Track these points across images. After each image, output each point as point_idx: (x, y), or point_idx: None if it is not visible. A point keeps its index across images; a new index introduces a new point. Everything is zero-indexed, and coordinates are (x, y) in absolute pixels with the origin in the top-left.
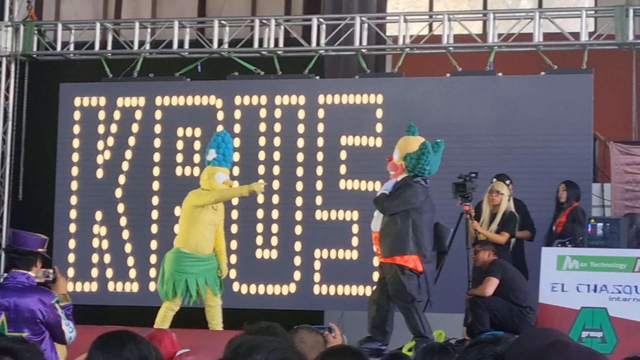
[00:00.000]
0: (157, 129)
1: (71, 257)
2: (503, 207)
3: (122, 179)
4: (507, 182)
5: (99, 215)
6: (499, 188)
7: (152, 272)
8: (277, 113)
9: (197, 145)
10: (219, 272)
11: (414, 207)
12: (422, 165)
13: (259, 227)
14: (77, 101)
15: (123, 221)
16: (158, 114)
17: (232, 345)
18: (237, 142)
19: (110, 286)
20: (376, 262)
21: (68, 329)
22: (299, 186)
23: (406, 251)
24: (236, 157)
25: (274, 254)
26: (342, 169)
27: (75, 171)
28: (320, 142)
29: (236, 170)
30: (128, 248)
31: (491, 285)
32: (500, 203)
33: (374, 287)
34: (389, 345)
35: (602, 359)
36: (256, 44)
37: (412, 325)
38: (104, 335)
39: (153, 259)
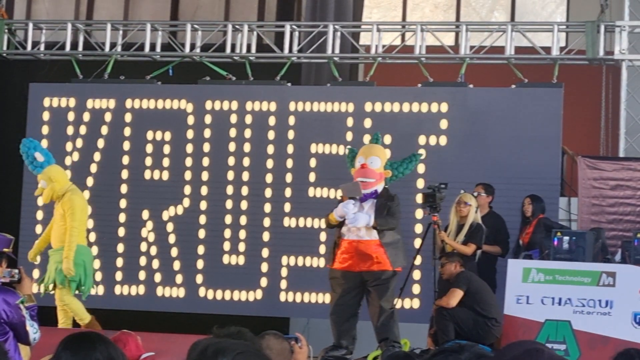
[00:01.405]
0: (127, 131)
1: (36, 259)
2: (470, 219)
3: (90, 181)
4: (484, 193)
5: None
6: (466, 199)
7: (118, 276)
8: (248, 119)
9: (166, 149)
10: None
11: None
12: (405, 173)
13: (227, 233)
14: (46, 101)
15: (90, 224)
16: (128, 117)
17: (197, 348)
18: (206, 147)
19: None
20: None
21: (32, 329)
22: (268, 192)
23: (405, 260)
24: (205, 162)
25: (241, 260)
26: (312, 177)
27: None
28: (290, 149)
29: (205, 175)
30: (94, 251)
31: (455, 296)
32: (468, 214)
33: (339, 298)
34: (353, 353)
35: None
36: (228, 49)
37: (391, 329)
38: (73, 336)
39: (119, 262)
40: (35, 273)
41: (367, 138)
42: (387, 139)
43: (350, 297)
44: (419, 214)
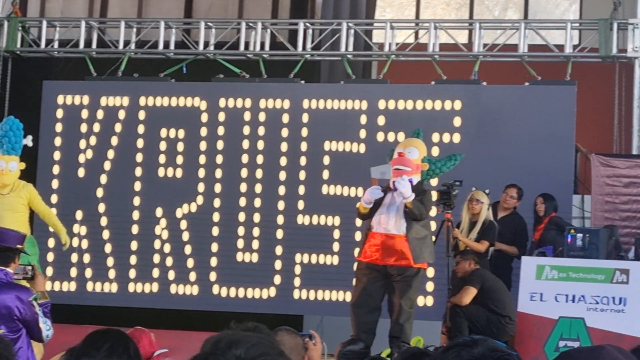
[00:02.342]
0: (140, 129)
1: (50, 256)
2: (482, 216)
3: (103, 179)
4: (516, 197)
5: (79, 215)
6: (478, 197)
7: (132, 273)
8: (262, 116)
9: (180, 146)
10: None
11: None
12: (443, 170)
13: (240, 230)
14: (60, 99)
15: (104, 221)
16: (142, 114)
17: (210, 342)
18: (220, 145)
19: (89, 286)
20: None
21: (45, 326)
22: (282, 190)
23: (433, 258)
24: (219, 159)
25: (255, 258)
26: (325, 174)
27: (56, 169)
28: (303, 146)
29: (219, 173)
30: (108, 248)
31: (468, 294)
32: (480, 212)
33: (363, 288)
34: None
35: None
36: (242, 47)
37: (404, 330)
38: (95, 333)
39: (133, 259)
40: (49, 271)
41: (380, 136)
42: (401, 137)
43: (374, 288)
44: (433, 211)
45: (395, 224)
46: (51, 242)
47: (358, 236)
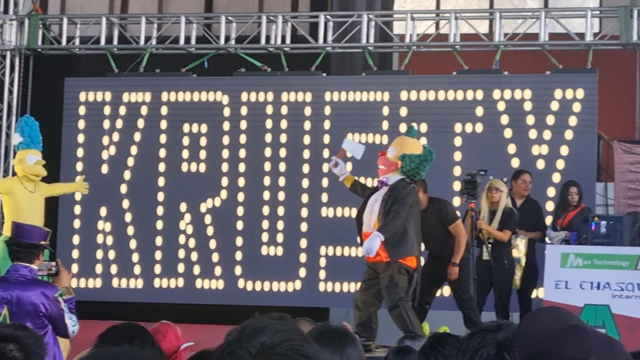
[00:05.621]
0: (163, 124)
1: (75, 253)
2: (502, 205)
3: (127, 175)
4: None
5: (103, 211)
6: (497, 185)
7: (157, 269)
8: (284, 110)
9: (203, 141)
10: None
11: (412, 207)
12: (419, 170)
13: (265, 224)
14: (82, 96)
15: (128, 217)
16: (164, 110)
17: (235, 331)
18: (243, 139)
19: (115, 282)
20: None
21: (71, 322)
22: (305, 183)
23: (411, 252)
24: (242, 153)
25: (280, 251)
26: (348, 166)
27: (79, 166)
28: (326, 139)
29: (242, 167)
30: (133, 244)
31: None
32: (499, 200)
33: (360, 286)
34: (375, 341)
35: (619, 347)
36: (263, 41)
37: (400, 323)
38: (113, 328)
39: (158, 255)
40: (74, 268)
41: (403, 127)
42: (423, 127)
43: (365, 287)
44: (457, 201)
45: (375, 223)
46: (76, 239)
47: None
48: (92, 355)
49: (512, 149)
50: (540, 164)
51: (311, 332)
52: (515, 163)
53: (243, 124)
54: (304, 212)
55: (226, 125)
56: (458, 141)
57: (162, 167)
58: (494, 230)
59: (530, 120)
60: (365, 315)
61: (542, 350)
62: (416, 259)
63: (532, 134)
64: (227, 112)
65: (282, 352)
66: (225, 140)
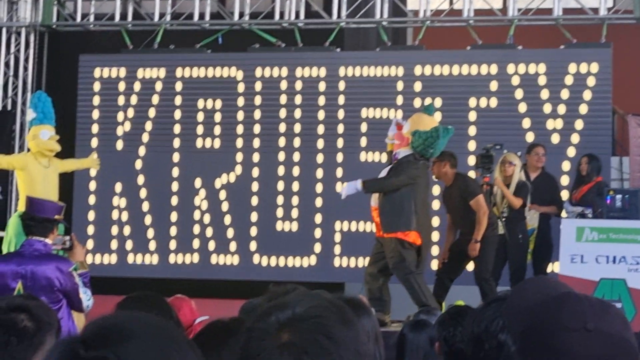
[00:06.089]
0: (178, 100)
1: (90, 229)
2: (515, 178)
3: (142, 151)
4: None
5: (118, 187)
6: (511, 159)
7: (172, 244)
8: (298, 85)
9: (217, 117)
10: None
11: (416, 183)
12: (427, 147)
13: (280, 199)
14: (97, 72)
15: (143, 193)
16: (178, 86)
17: (248, 307)
18: (257, 114)
19: (130, 258)
20: None
21: (85, 297)
22: (320, 158)
23: (410, 227)
24: (256, 129)
25: (295, 226)
26: (363, 141)
27: (94, 142)
28: (340, 114)
29: (256, 142)
30: (148, 220)
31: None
32: (513, 174)
33: (369, 260)
34: (389, 314)
35: (614, 310)
36: (277, 16)
37: (413, 296)
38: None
39: (173, 230)
40: (90, 244)
41: (417, 102)
42: (438, 102)
43: (372, 261)
44: (472, 175)
45: (375, 197)
46: (91, 215)
47: None
48: (105, 318)
49: (526, 123)
50: (555, 138)
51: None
52: (529, 137)
53: (257, 100)
54: (319, 188)
55: (240, 101)
56: (473, 116)
57: (176, 143)
58: (507, 192)
59: (544, 94)
60: (375, 288)
61: (535, 323)
62: (418, 234)
63: (547, 108)
64: (241, 87)
65: (307, 327)
66: (240, 115)
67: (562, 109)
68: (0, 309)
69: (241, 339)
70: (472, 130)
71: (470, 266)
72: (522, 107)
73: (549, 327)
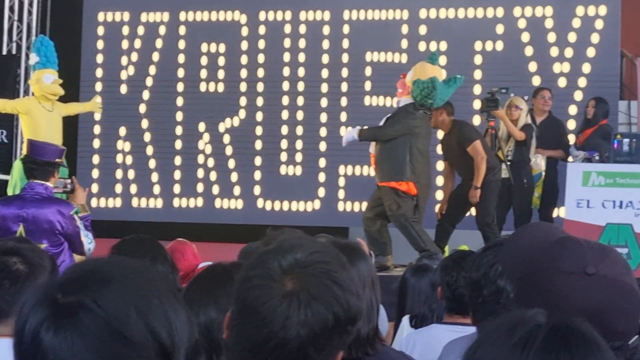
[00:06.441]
0: (181, 44)
1: (95, 173)
2: (521, 123)
3: (146, 95)
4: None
5: (122, 131)
6: (517, 103)
7: (177, 188)
8: (302, 29)
9: (221, 61)
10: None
11: (413, 133)
12: (424, 97)
13: (283, 143)
14: (100, 16)
15: (147, 137)
16: (182, 30)
17: (247, 250)
18: (261, 58)
19: (135, 202)
20: None
21: (87, 240)
22: (324, 102)
23: (403, 177)
24: (260, 73)
25: (298, 171)
26: (367, 85)
27: (99, 86)
28: (345, 58)
29: (260, 86)
30: (152, 164)
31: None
32: (519, 118)
33: (367, 205)
34: (390, 255)
35: (614, 254)
36: None
37: (412, 242)
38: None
39: (177, 174)
40: (94, 188)
41: (422, 45)
42: (443, 46)
43: (369, 206)
44: (477, 119)
45: (374, 145)
46: (95, 159)
47: None
48: (84, 262)
49: (533, 67)
50: (562, 82)
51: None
52: (536, 81)
53: (261, 43)
54: (323, 132)
55: (244, 45)
56: (478, 59)
57: (180, 87)
58: (510, 125)
59: (551, 37)
60: (374, 231)
61: (534, 270)
62: (414, 184)
63: (554, 51)
64: (245, 31)
65: (314, 273)
66: (244, 59)
67: (569, 52)
68: None
69: (236, 285)
70: (477, 74)
71: (474, 211)
72: (529, 51)
73: (547, 271)
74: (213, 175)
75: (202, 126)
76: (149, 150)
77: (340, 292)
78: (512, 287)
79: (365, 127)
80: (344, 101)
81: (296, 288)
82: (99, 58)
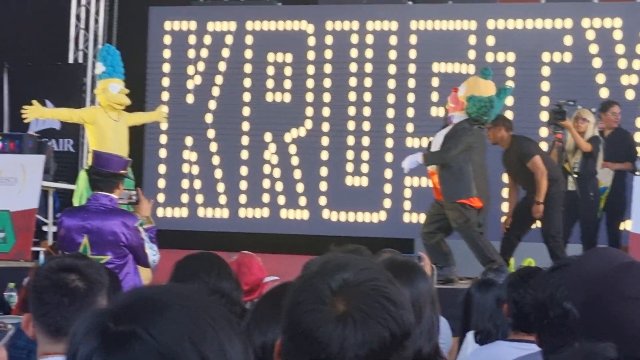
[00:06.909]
0: (248, 54)
1: (161, 183)
2: (588, 135)
3: (212, 105)
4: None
5: (189, 141)
6: (585, 115)
7: (242, 199)
8: (369, 39)
9: (287, 71)
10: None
11: (472, 148)
12: (481, 115)
13: (350, 154)
14: (167, 25)
15: (213, 147)
16: (249, 39)
17: (315, 263)
18: (327, 68)
19: (200, 212)
20: None
21: (151, 252)
22: (390, 113)
23: (470, 194)
24: (327, 83)
25: (365, 182)
26: (434, 96)
27: (165, 96)
28: (412, 68)
29: (327, 97)
30: (218, 174)
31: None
32: (586, 131)
33: (425, 220)
34: (453, 266)
35: None
36: None
37: (478, 254)
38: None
39: (243, 185)
40: (160, 197)
41: (490, 56)
42: (511, 57)
43: (428, 222)
44: (544, 132)
45: None
46: (162, 169)
47: None
48: (138, 290)
49: (601, 78)
50: (630, 94)
51: (380, 264)
52: (604, 93)
53: (328, 54)
54: (389, 143)
55: (311, 55)
56: (546, 71)
57: (246, 97)
58: (577, 135)
59: (620, 49)
60: (433, 243)
61: (598, 293)
62: (479, 200)
63: (622, 63)
64: (311, 41)
65: (365, 291)
66: (310, 69)
67: (637, 64)
68: (50, 269)
69: (285, 311)
70: (545, 86)
71: (539, 223)
72: (597, 62)
73: (610, 296)
74: (279, 186)
75: (268, 136)
76: (215, 160)
77: (393, 308)
78: (577, 311)
79: (426, 154)
80: (410, 112)
81: (349, 308)
82: (166, 67)
